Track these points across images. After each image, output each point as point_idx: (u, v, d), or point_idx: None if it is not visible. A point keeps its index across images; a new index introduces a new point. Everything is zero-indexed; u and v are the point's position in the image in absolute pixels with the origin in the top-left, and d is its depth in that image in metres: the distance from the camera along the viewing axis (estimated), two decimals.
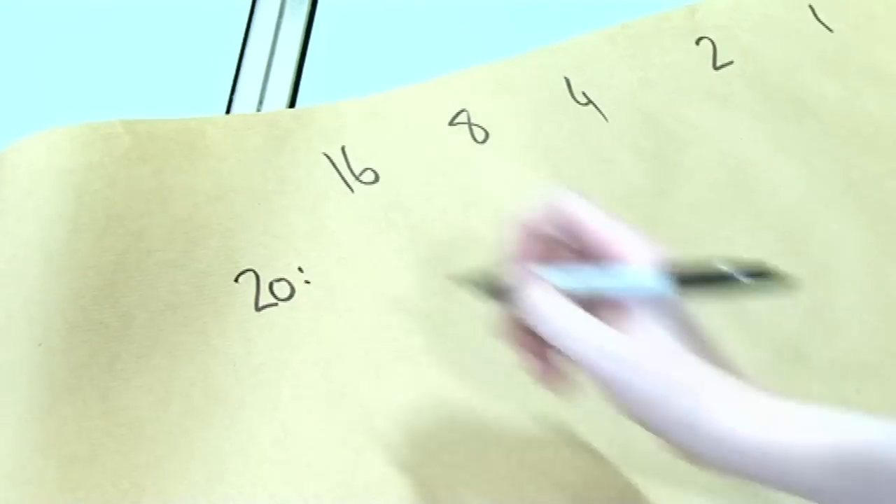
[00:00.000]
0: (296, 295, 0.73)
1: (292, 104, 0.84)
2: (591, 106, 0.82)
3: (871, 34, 0.86)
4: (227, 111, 0.83)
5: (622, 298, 0.55)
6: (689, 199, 0.79)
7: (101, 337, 0.69)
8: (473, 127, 0.81)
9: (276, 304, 0.73)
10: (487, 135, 0.80)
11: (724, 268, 0.54)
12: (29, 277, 0.68)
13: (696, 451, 0.52)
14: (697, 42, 0.85)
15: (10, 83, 0.82)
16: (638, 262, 0.56)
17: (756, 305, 0.75)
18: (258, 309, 0.72)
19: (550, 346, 0.55)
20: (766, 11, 0.87)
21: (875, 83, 0.83)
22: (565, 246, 0.59)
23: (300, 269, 0.74)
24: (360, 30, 0.87)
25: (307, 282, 0.74)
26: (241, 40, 0.86)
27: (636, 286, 0.55)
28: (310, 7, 0.88)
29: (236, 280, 0.73)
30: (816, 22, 0.87)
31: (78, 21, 0.85)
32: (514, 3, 0.88)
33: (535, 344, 0.57)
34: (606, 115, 0.82)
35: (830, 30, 0.87)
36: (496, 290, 0.59)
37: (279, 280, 0.73)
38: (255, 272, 0.73)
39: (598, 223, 0.58)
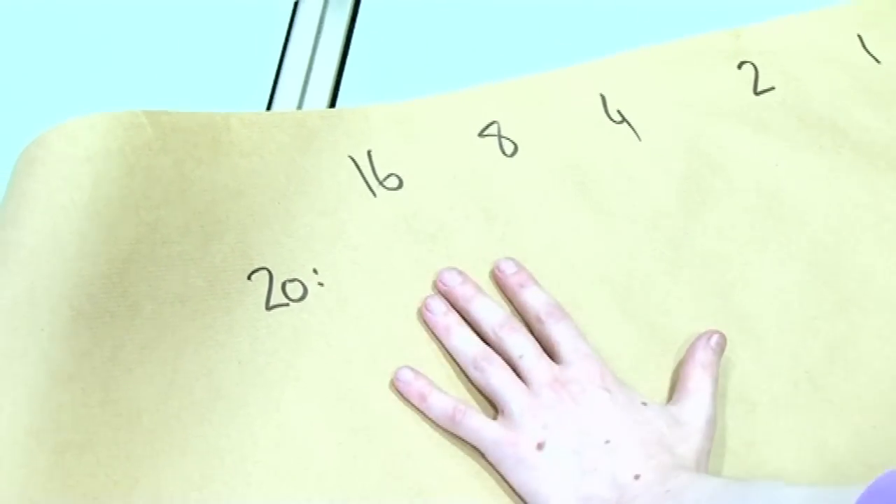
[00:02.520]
0: (308, 296, 0.72)
1: (332, 104, 0.84)
2: (625, 124, 0.81)
3: None
4: (268, 110, 0.83)
5: None
6: (718, 224, 0.78)
7: (106, 325, 0.68)
8: (503, 139, 0.80)
9: (287, 305, 0.72)
10: (516, 148, 0.80)
11: None
12: (37, 263, 0.68)
13: None
14: (739, 66, 0.84)
15: (48, 78, 0.82)
16: None
17: (776, 337, 0.74)
18: (269, 308, 0.72)
19: None
20: (812, 39, 0.86)
21: None
22: None
23: (315, 271, 0.73)
24: (403, 31, 0.87)
25: (321, 284, 0.73)
26: (282, 39, 0.86)
27: None
28: (352, 7, 0.88)
29: (249, 277, 0.72)
30: (864, 52, 0.86)
31: (119, 17, 0.85)
32: (557, 17, 0.88)
33: None
34: (640, 134, 0.81)
35: (878, 61, 0.86)
36: None
37: (292, 280, 0.73)
38: (268, 271, 0.73)
39: None
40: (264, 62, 0.85)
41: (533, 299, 0.72)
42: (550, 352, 0.71)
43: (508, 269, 0.74)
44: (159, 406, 0.67)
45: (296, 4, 0.88)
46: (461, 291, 0.73)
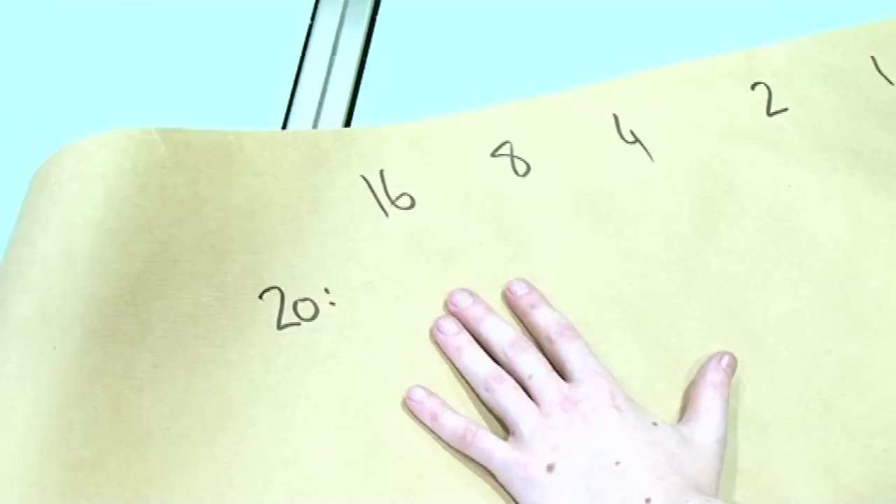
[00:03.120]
0: (319, 316, 0.73)
1: (348, 123, 0.84)
2: (638, 145, 0.81)
3: None
4: (283, 129, 0.83)
5: None
6: (730, 245, 0.78)
7: (117, 344, 0.68)
8: (515, 159, 0.80)
9: (298, 324, 0.72)
10: (529, 168, 0.80)
11: None
12: (49, 282, 0.68)
13: None
14: (753, 87, 0.84)
15: (63, 96, 0.83)
16: None
17: (788, 359, 0.74)
18: (280, 327, 0.72)
19: None
20: (826, 60, 0.86)
21: None
22: None
23: (326, 291, 0.73)
24: (418, 51, 0.87)
25: (332, 304, 0.73)
26: (298, 59, 0.87)
27: None
28: (368, 27, 0.89)
29: (261, 297, 0.72)
30: (877, 73, 0.86)
31: (135, 35, 0.86)
32: (570, 37, 0.88)
33: None
34: (653, 155, 0.81)
35: (891, 82, 0.85)
36: None
37: (304, 300, 0.73)
38: (280, 290, 0.73)
39: None
40: (280, 81, 0.85)
41: (544, 319, 0.73)
42: (562, 371, 0.71)
43: (520, 290, 0.74)
44: (170, 425, 0.67)
45: (311, 24, 0.88)
46: (472, 312, 0.73)
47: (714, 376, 0.71)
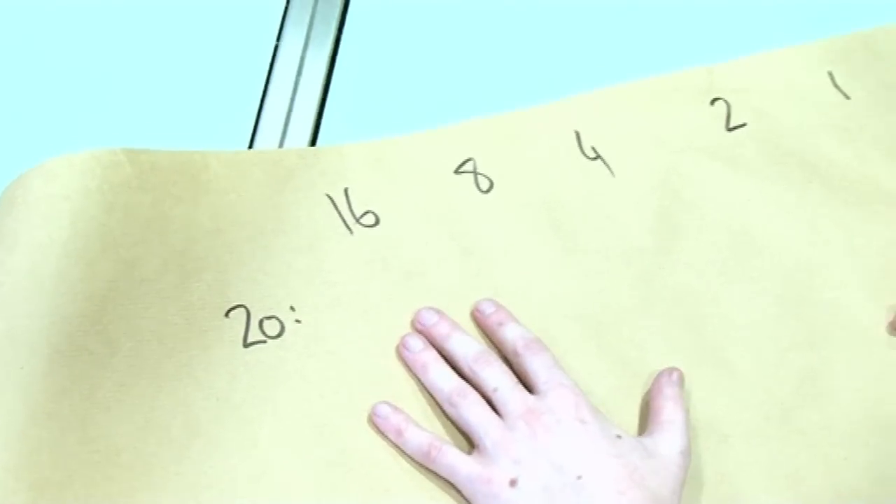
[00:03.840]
0: (285, 333, 0.73)
1: (313, 143, 0.84)
2: (599, 161, 0.82)
3: (889, 104, 0.86)
4: (250, 149, 0.83)
5: None
6: (689, 259, 0.79)
7: (84, 363, 0.69)
8: (479, 176, 0.81)
9: (264, 342, 0.73)
10: (492, 184, 0.80)
11: None
12: (16, 301, 0.69)
13: None
14: (712, 103, 0.85)
15: (29, 117, 0.83)
16: None
17: (748, 370, 0.75)
18: (246, 345, 0.72)
19: None
20: (784, 76, 0.87)
21: (887, 153, 0.83)
22: None
23: (292, 308, 0.74)
24: (382, 71, 0.88)
25: (298, 321, 0.74)
26: (264, 80, 0.87)
27: None
28: (332, 48, 0.89)
29: (227, 315, 0.73)
30: (834, 88, 0.86)
31: (101, 56, 0.86)
32: (531, 55, 0.88)
33: None
34: (614, 170, 0.82)
35: (848, 97, 0.86)
36: None
37: (270, 317, 0.73)
38: (246, 308, 0.73)
39: None
40: (246, 101, 0.86)
41: (511, 334, 0.73)
42: (528, 384, 0.71)
43: (487, 309, 0.75)
44: (137, 443, 0.68)
45: (277, 45, 0.89)
46: (438, 329, 0.73)
47: (669, 390, 0.72)
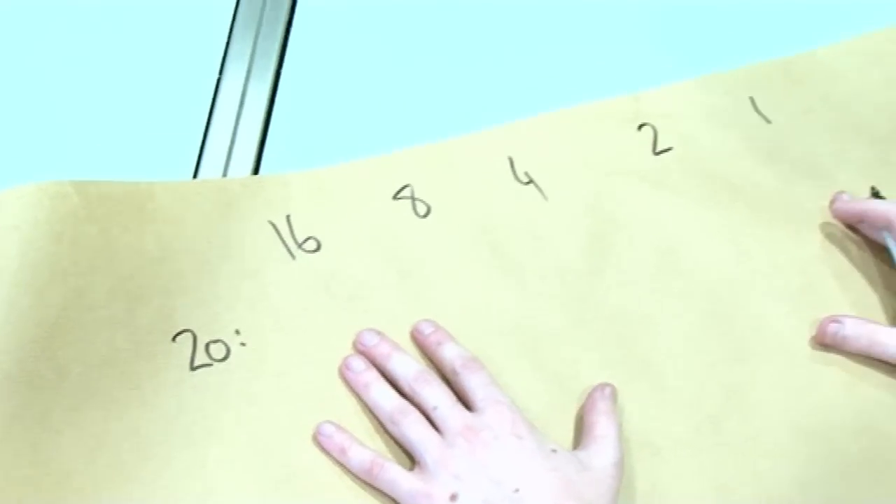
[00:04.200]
0: (231, 356, 0.75)
1: (256, 171, 0.86)
2: (532, 185, 0.84)
3: (808, 127, 0.88)
4: (194, 178, 0.85)
5: None
6: (620, 279, 0.81)
7: (35, 389, 0.70)
8: (416, 201, 0.82)
9: (211, 365, 0.74)
10: (429, 209, 0.82)
11: None
12: None
13: None
14: (639, 128, 0.87)
15: None
16: None
17: (677, 384, 0.77)
18: (193, 368, 0.74)
19: None
20: (707, 101, 0.89)
21: (808, 174, 0.85)
22: None
23: (237, 332, 0.75)
24: (322, 102, 0.89)
25: (243, 344, 0.75)
26: (207, 111, 0.88)
27: None
28: (273, 80, 0.91)
29: (174, 339, 0.74)
30: (755, 113, 0.89)
31: (49, 91, 0.87)
32: (465, 84, 0.90)
33: None
34: (547, 194, 0.84)
35: (769, 121, 0.89)
36: None
37: (216, 341, 0.75)
38: (192, 333, 0.75)
39: None
40: (190, 132, 0.87)
41: (449, 354, 0.75)
42: (466, 402, 0.73)
43: (426, 329, 0.77)
44: (88, 466, 0.69)
45: (219, 78, 0.90)
46: (379, 350, 0.75)
47: (603, 405, 0.74)
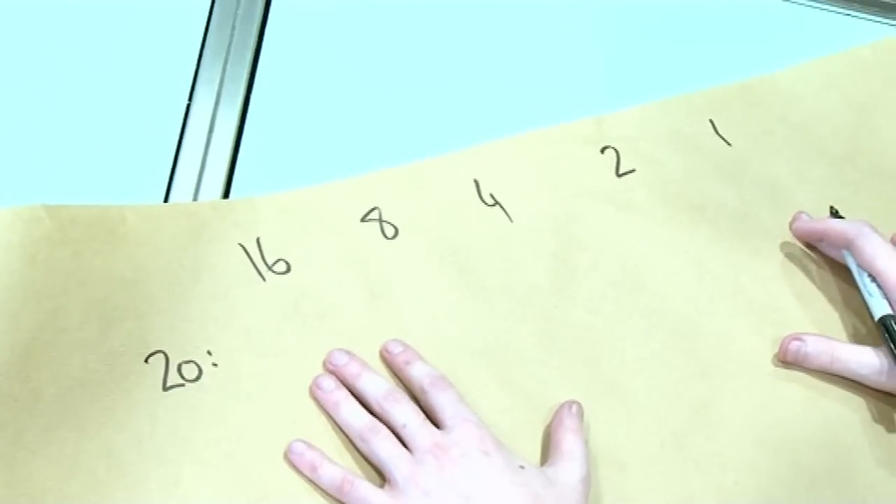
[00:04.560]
0: (203, 377, 0.75)
1: (226, 195, 0.86)
2: (497, 207, 0.85)
3: (768, 149, 0.90)
4: (165, 202, 0.85)
5: None
6: (586, 298, 0.82)
7: (9, 410, 0.70)
8: (384, 223, 0.83)
9: (183, 385, 0.74)
10: (397, 231, 0.83)
11: None
12: None
13: None
14: (602, 151, 0.89)
15: None
16: None
17: (643, 402, 0.78)
18: (166, 388, 0.74)
19: None
20: (668, 124, 0.91)
21: (769, 195, 0.87)
22: None
23: (209, 353, 0.76)
24: (290, 126, 0.90)
25: (215, 364, 0.76)
26: (177, 137, 0.89)
27: None
28: (242, 106, 0.91)
29: (146, 361, 0.75)
30: (716, 136, 0.91)
31: (20, 117, 0.88)
32: (430, 107, 0.92)
33: None
34: (512, 216, 0.85)
35: (729, 143, 0.90)
36: None
37: (188, 362, 0.75)
38: (165, 354, 0.75)
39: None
40: (160, 157, 0.87)
41: (418, 372, 0.76)
42: (435, 420, 0.74)
43: (395, 349, 0.77)
44: (62, 486, 0.69)
45: (189, 104, 0.91)
46: (348, 369, 0.76)
47: (569, 422, 0.75)
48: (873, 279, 0.80)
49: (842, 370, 0.80)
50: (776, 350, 0.81)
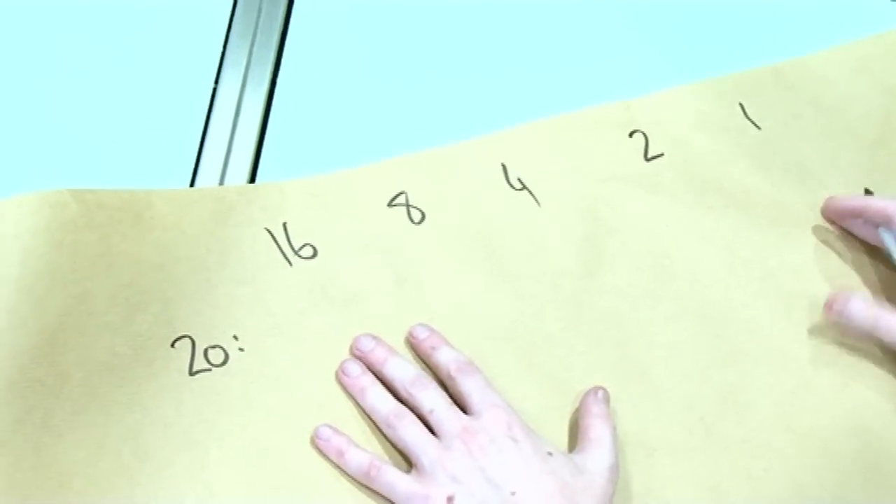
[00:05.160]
0: (229, 361, 0.75)
1: (252, 180, 0.86)
2: (525, 191, 0.85)
3: (798, 133, 0.89)
4: (191, 186, 0.85)
5: None
6: (615, 283, 0.82)
7: (36, 394, 0.71)
8: (411, 208, 0.83)
9: (209, 370, 0.75)
10: (424, 216, 0.83)
11: None
12: None
13: None
14: (631, 135, 0.88)
15: None
16: None
17: (671, 387, 0.78)
18: (192, 373, 0.74)
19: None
20: (698, 108, 0.90)
21: (799, 179, 0.86)
22: None
23: (235, 337, 0.76)
24: (316, 110, 0.90)
25: (241, 349, 0.76)
26: (203, 120, 0.89)
27: None
28: (269, 90, 0.91)
29: (172, 345, 0.75)
30: (745, 119, 0.90)
31: (48, 101, 0.88)
32: (459, 91, 0.91)
33: None
34: (540, 200, 0.85)
35: (758, 127, 0.89)
36: None
37: (214, 347, 0.75)
38: (191, 338, 0.75)
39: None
40: (187, 141, 0.87)
41: (445, 358, 0.76)
42: (462, 405, 0.74)
43: (421, 334, 0.77)
44: (89, 469, 0.69)
45: (215, 87, 0.91)
46: (375, 355, 0.76)
47: (596, 408, 0.75)
48: None
49: (882, 338, 0.78)
50: (805, 336, 0.81)
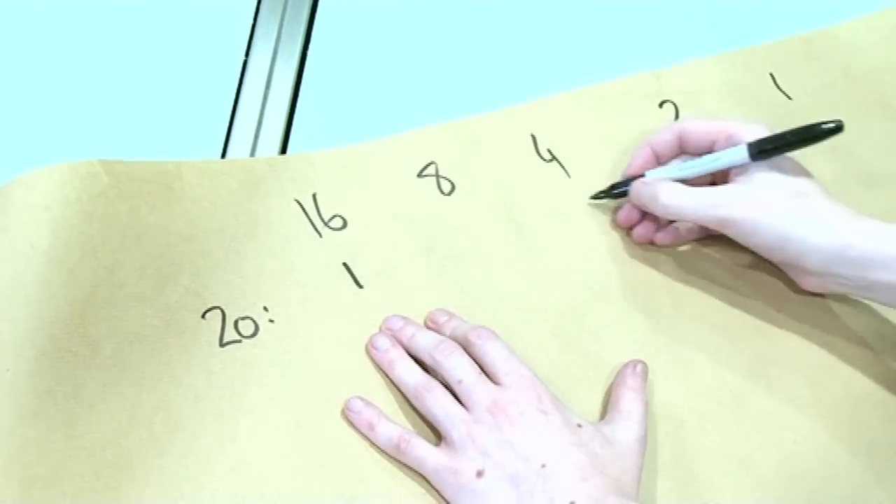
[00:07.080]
0: (259, 332, 0.75)
1: (283, 151, 0.86)
2: (554, 162, 0.85)
3: (828, 102, 0.89)
4: (222, 158, 0.85)
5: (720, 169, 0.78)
6: (645, 254, 0.82)
7: (68, 364, 0.71)
8: (441, 179, 0.83)
9: (239, 341, 0.75)
10: (454, 187, 0.83)
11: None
12: (0, 307, 0.71)
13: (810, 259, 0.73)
14: (661, 105, 0.88)
15: (11, 130, 0.85)
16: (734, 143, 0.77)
17: (701, 358, 0.78)
18: (222, 345, 0.74)
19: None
20: (728, 78, 0.90)
21: (828, 149, 0.85)
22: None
23: (265, 309, 0.76)
24: (346, 81, 0.90)
25: (271, 321, 0.76)
26: (234, 92, 0.89)
27: (728, 160, 0.77)
28: (299, 61, 0.92)
29: (203, 316, 0.75)
30: (776, 89, 0.90)
31: (79, 72, 0.88)
32: (489, 62, 0.91)
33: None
34: (569, 171, 0.85)
35: (789, 97, 0.89)
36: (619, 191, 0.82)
37: (244, 318, 0.76)
38: (221, 309, 0.76)
39: (703, 126, 0.79)
40: (218, 113, 0.88)
41: (461, 329, 0.75)
42: (488, 373, 0.73)
43: (441, 318, 0.77)
44: (120, 440, 0.70)
45: (246, 59, 0.91)
46: (403, 332, 0.76)
47: (632, 381, 0.75)
48: None
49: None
50: (835, 307, 0.81)
